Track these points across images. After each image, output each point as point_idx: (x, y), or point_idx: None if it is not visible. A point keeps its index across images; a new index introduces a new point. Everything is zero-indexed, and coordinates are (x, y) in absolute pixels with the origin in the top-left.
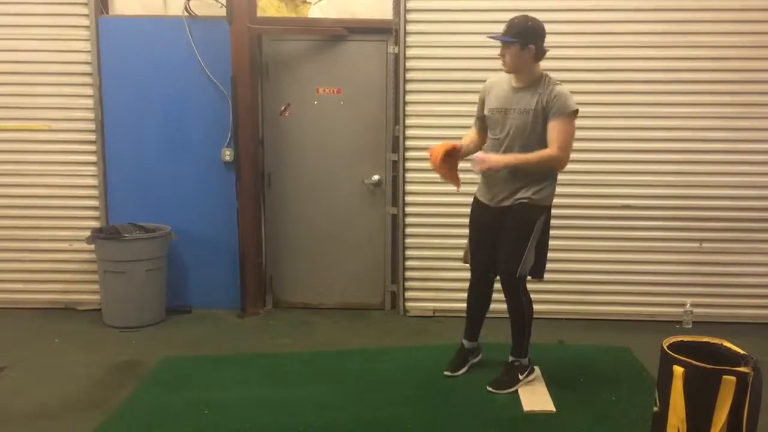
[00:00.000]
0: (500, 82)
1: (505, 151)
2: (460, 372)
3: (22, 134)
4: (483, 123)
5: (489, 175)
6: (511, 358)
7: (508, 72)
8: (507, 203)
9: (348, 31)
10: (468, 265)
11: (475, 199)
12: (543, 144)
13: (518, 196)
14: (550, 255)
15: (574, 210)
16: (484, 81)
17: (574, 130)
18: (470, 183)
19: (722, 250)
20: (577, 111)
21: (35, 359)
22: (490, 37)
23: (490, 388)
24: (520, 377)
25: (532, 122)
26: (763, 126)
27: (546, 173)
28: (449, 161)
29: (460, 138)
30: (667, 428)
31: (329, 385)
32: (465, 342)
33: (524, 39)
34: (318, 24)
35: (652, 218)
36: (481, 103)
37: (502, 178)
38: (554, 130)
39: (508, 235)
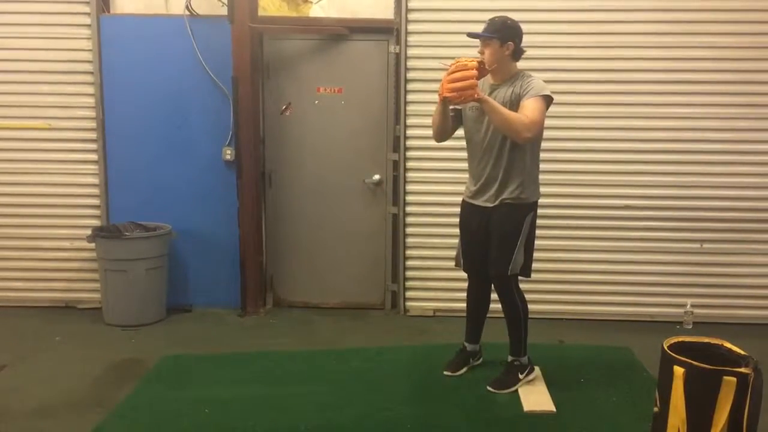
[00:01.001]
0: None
1: (487, 148)
2: (460, 372)
3: (23, 133)
4: (454, 121)
5: (475, 177)
6: (510, 358)
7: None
8: (493, 203)
9: (349, 31)
10: (460, 268)
11: (463, 201)
12: None
13: (504, 196)
14: (550, 255)
15: (575, 210)
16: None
17: (544, 115)
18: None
19: (723, 251)
20: (551, 98)
21: (36, 357)
22: (470, 36)
23: (490, 388)
24: (520, 377)
25: None
26: (763, 126)
27: (521, 171)
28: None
29: (465, 140)
30: (668, 429)
31: (329, 385)
32: (467, 344)
33: (503, 35)
34: (319, 23)
35: (653, 218)
36: None
37: (487, 176)
38: (526, 106)
39: (497, 236)
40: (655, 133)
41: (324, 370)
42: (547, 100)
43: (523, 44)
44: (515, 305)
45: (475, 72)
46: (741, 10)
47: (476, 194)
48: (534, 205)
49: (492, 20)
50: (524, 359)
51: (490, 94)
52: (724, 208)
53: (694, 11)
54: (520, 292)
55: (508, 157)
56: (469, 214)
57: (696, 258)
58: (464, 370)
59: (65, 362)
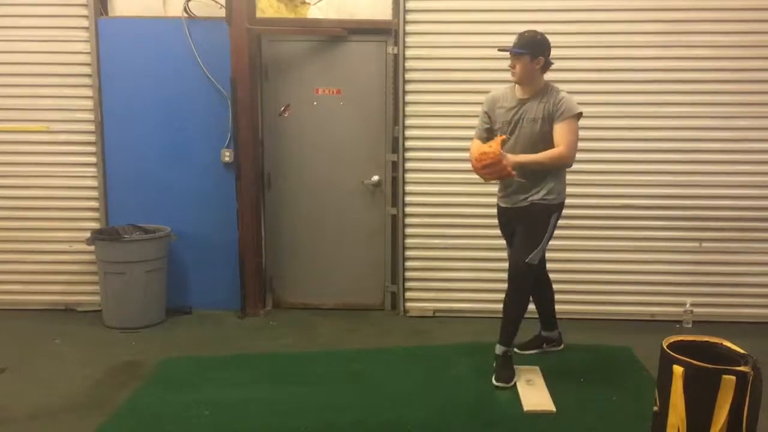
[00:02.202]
0: (505, 95)
1: None
2: (527, 352)
3: (22, 135)
4: (489, 134)
5: (505, 183)
6: (504, 349)
7: (517, 82)
8: (523, 204)
9: (347, 32)
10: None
11: (497, 206)
12: (549, 147)
13: (532, 198)
14: (550, 255)
15: (575, 210)
16: (483, 81)
17: (578, 131)
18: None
19: (722, 250)
20: (581, 113)
21: (35, 360)
22: (501, 50)
23: (498, 383)
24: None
25: (539, 130)
26: (762, 125)
27: (550, 175)
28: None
29: (464, 140)
30: (667, 428)
31: (329, 386)
32: (542, 332)
33: (534, 50)
34: (317, 24)
35: (652, 218)
36: (485, 116)
37: (514, 185)
38: (562, 131)
39: (524, 230)
40: (653, 132)
41: (324, 372)
42: (578, 117)
43: None
44: (526, 297)
45: (500, 157)
46: (740, 9)
47: (507, 198)
48: (561, 206)
49: (522, 35)
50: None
51: (519, 109)
52: (723, 207)
53: (693, 11)
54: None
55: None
56: (501, 215)
57: (695, 257)
58: (533, 351)
59: (65, 365)
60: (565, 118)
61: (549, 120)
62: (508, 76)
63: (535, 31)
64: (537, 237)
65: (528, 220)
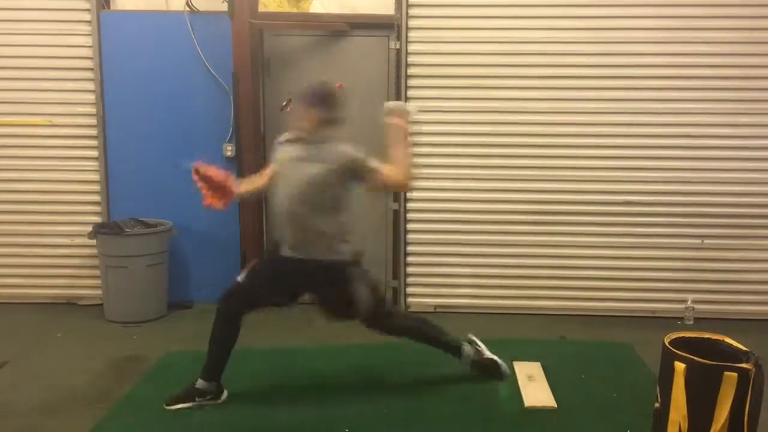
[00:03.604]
0: None
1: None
2: (176, 407)
3: (24, 129)
4: None
5: None
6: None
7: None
8: None
9: (349, 27)
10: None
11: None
12: None
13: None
14: (551, 251)
15: (576, 206)
16: (486, 77)
17: None
18: (461, 179)
19: (724, 246)
20: None
21: (37, 354)
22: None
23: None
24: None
25: None
26: (764, 122)
27: None
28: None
29: (466, 136)
30: (668, 424)
31: (329, 380)
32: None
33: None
34: (319, 19)
35: (654, 214)
36: None
37: None
38: None
39: None
40: (655, 128)
41: (324, 367)
42: None
43: (522, 40)
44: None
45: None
46: (743, 5)
47: None
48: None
49: (310, 87)
50: None
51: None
52: (724, 203)
53: (696, 6)
54: None
55: None
56: None
57: (697, 253)
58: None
59: (66, 359)
60: None
61: None
62: (511, 73)
63: (325, 83)
64: None
65: None
